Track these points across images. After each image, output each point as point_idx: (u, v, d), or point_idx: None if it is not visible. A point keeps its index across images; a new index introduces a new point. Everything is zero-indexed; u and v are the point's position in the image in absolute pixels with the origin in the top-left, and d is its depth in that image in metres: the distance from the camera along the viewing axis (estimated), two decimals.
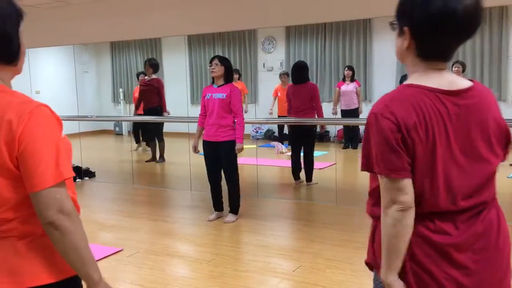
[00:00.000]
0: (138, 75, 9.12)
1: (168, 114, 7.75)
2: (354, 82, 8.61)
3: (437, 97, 1.24)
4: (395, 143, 1.21)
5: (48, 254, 1.27)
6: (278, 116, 8.79)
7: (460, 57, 8.01)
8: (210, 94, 4.44)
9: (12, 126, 1.17)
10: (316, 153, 6.00)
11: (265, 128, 10.41)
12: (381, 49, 9.22)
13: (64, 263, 1.26)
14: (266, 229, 4.34)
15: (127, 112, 11.33)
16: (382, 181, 1.25)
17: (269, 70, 10.24)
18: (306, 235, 4.20)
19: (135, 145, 9.27)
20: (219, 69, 4.39)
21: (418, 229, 1.27)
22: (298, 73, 5.84)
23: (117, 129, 11.90)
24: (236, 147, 4.35)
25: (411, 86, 1.27)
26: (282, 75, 8.80)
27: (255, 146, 9.14)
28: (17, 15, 1.26)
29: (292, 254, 3.72)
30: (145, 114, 7.59)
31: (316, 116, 5.83)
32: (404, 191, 1.22)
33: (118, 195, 5.94)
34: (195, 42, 10.68)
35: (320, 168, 6.39)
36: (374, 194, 1.35)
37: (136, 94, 8.87)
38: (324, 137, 9.39)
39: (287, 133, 9.29)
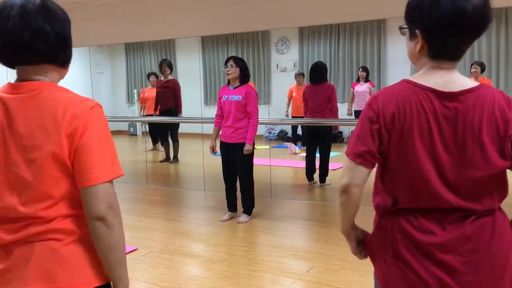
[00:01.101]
0: (148, 76, 9.19)
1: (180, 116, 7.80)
2: (368, 83, 8.58)
3: (426, 96, 1.25)
4: (368, 133, 1.28)
5: (90, 257, 1.28)
6: (292, 117, 8.79)
7: (476, 57, 7.94)
8: (226, 96, 4.45)
9: (75, 119, 1.22)
10: (330, 154, 5.99)
11: (278, 129, 10.41)
12: (395, 49, 9.17)
13: (102, 268, 1.28)
14: (280, 230, 4.34)
15: (141, 112, 11.43)
16: (346, 159, 1.34)
17: (283, 71, 10.25)
18: (320, 236, 4.20)
19: (150, 145, 9.34)
20: (234, 71, 4.39)
21: (403, 226, 1.30)
22: (317, 73, 5.82)
23: (131, 129, 12.01)
24: (244, 148, 4.35)
25: (406, 82, 1.30)
26: (298, 76, 8.80)
27: (268, 146, 9.16)
28: (69, 21, 1.33)
29: (306, 255, 3.72)
30: (161, 115, 7.64)
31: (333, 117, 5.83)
32: (352, 175, 1.31)
33: (132, 195, 5.99)
34: (209, 43, 10.73)
35: (333, 169, 6.37)
36: (375, 185, 1.41)
37: (146, 95, 8.93)
38: (337, 138, 9.36)
39: (300, 134, 9.29)
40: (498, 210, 1.32)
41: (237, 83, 4.44)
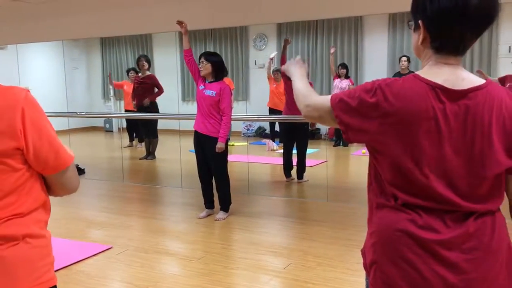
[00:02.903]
0: (128, 71, 9.07)
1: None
2: (348, 80, 8.64)
3: (435, 93, 1.23)
4: (364, 112, 1.26)
5: (32, 261, 1.25)
6: (270, 109, 8.78)
7: None
8: (203, 87, 4.41)
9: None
10: (307, 150, 6.00)
11: (256, 125, 10.40)
12: (372, 47, 9.25)
13: (45, 273, 1.26)
14: (257, 227, 4.33)
15: (117, 108, 11.26)
16: (322, 98, 1.38)
17: (261, 67, 10.22)
18: (297, 233, 4.20)
19: (126, 142, 9.22)
20: (206, 67, 4.35)
21: (404, 225, 1.27)
22: None
23: (107, 125, 11.83)
24: (217, 146, 4.30)
25: (416, 77, 1.27)
26: (275, 72, 8.80)
27: (246, 143, 9.14)
28: None
29: (283, 252, 3.71)
30: (139, 111, 7.55)
31: None
32: (314, 103, 1.40)
33: (108, 192, 5.90)
34: (191, 38, 10.63)
35: (311, 166, 6.39)
36: (370, 181, 1.38)
37: (126, 88, 8.84)
38: (315, 135, 9.40)
39: (278, 130, 9.30)
40: (497, 211, 1.32)
41: (211, 78, 4.39)
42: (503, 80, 4.15)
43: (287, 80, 5.81)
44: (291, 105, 5.83)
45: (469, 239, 1.26)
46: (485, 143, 1.23)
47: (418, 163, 1.24)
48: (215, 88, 4.34)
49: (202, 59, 4.37)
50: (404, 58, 7.89)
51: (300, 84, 1.51)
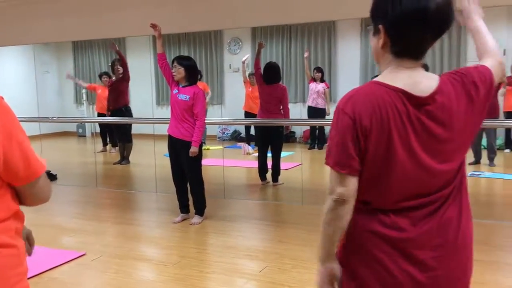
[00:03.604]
0: (100, 76, 8.97)
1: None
2: (323, 84, 8.73)
3: (399, 97, 1.26)
4: (348, 139, 1.26)
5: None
6: (245, 112, 8.80)
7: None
8: (176, 91, 4.39)
9: None
10: (282, 153, 6.03)
11: (231, 129, 10.40)
12: (345, 51, 9.37)
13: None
14: (233, 230, 4.33)
15: (90, 113, 11.10)
16: (330, 171, 1.30)
17: (235, 71, 10.23)
18: (273, 236, 4.21)
19: (100, 147, 9.09)
20: (179, 71, 4.33)
21: (373, 226, 1.31)
22: (271, 73, 5.82)
23: (80, 130, 11.65)
24: (190, 150, 4.28)
25: (376, 83, 1.30)
26: (251, 76, 8.82)
27: (221, 147, 9.12)
28: None
29: (259, 255, 3.72)
30: (112, 115, 7.46)
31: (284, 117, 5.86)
32: (343, 185, 1.27)
33: (81, 198, 5.80)
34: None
35: (286, 169, 6.42)
36: None
37: (100, 92, 8.75)
38: (290, 138, 9.45)
39: (253, 133, 9.31)
40: (464, 206, 1.36)
41: (185, 83, 4.38)
42: None
43: (262, 84, 5.85)
44: (266, 108, 5.86)
45: (435, 236, 1.30)
46: (449, 141, 1.29)
47: (392, 167, 1.28)
48: (189, 92, 4.32)
49: (175, 63, 4.36)
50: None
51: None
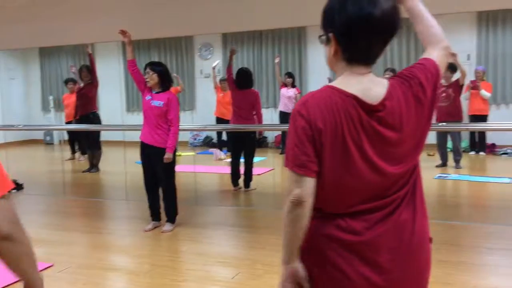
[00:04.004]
0: (66, 82, 8.80)
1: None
2: (295, 89, 8.79)
3: (351, 103, 1.28)
4: (305, 141, 1.27)
5: None
6: (217, 118, 8.77)
7: (388, 64, 8.39)
8: (149, 97, 4.34)
9: None
10: (254, 159, 6.04)
11: (203, 135, 10.36)
12: (316, 56, 9.47)
13: None
14: (205, 237, 4.29)
15: (58, 120, 10.86)
16: (289, 173, 1.31)
17: (207, 77, 10.21)
18: (245, 242, 4.20)
19: (68, 154, 8.91)
20: (152, 77, 4.29)
21: (329, 230, 1.33)
22: (243, 79, 5.82)
23: (47, 138, 11.40)
24: (165, 156, 4.24)
25: (331, 88, 1.32)
26: (222, 82, 8.82)
27: (193, 153, 9.07)
28: None
29: (231, 261, 3.70)
30: (80, 122, 7.32)
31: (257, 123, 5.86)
32: (300, 186, 1.28)
33: (48, 207, 5.66)
34: None
35: (258, 174, 6.43)
36: None
37: (66, 102, 8.61)
38: (262, 143, 9.47)
39: (225, 139, 9.30)
40: (418, 208, 1.37)
41: (158, 89, 4.34)
42: None
43: (235, 89, 5.85)
44: (239, 114, 5.85)
45: (390, 239, 1.32)
46: (401, 143, 1.32)
47: (347, 171, 1.30)
48: (163, 98, 4.28)
49: (148, 70, 4.31)
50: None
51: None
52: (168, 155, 4.25)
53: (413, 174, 1.37)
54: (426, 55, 1.43)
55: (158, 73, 4.30)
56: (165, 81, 4.37)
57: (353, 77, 1.32)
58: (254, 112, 5.84)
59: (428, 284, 1.43)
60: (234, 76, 5.82)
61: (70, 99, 8.34)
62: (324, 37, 1.36)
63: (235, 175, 5.98)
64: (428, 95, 1.35)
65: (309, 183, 1.28)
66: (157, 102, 4.28)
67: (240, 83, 5.79)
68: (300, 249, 1.38)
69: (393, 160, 1.32)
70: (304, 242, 1.37)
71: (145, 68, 4.35)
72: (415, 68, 1.37)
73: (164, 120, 4.29)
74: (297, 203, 1.29)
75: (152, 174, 4.40)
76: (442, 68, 1.42)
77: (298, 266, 1.36)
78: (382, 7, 1.26)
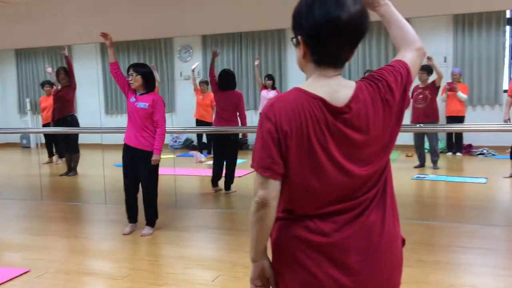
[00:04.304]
0: (42, 85, 8.66)
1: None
2: (275, 91, 8.81)
3: (318, 105, 1.30)
4: (270, 144, 1.29)
5: None
6: (197, 120, 8.74)
7: (367, 66, 8.49)
8: (134, 99, 4.31)
9: None
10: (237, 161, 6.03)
11: (183, 137, 10.30)
12: (294, 59, 9.50)
13: None
14: (185, 240, 4.28)
15: (35, 123, 10.68)
16: (255, 175, 1.33)
17: (186, 79, 10.17)
18: (226, 244, 4.20)
19: (45, 158, 8.77)
20: (136, 79, 4.26)
21: (298, 232, 1.34)
22: (226, 80, 5.81)
23: (24, 141, 11.19)
24: (152, 158, 4.24)
25: (299, 90, 1.34)
26: (201, 84, 8.80)
27: (173, 156, 9.02)
28: None
29: (211, 264, 3.70)
30: (57, 125, 7.22)
31: (240, 124, 5.87)
32: (265, 187, 1.30)
33: (25, 212, 5.56)
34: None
35: (239, 176, 6.43)
36: None
37: (43, 104, 8.49)
38: (243, 145, 9.47)
39: (206, 142, 9.27)
40: (388, 209, 1.38)
41: (143, 90, 4.31)
42: None
43: (218, 91, 5.83)
44: (222, 116, 5.83)
45: (359, 240, 1.34)
46: (368, 145, 1.33)
47: (314, 173, 1.31)
48: (148, 100, 4.25)
49: (131, 71, 4.27)
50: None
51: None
52: (156, 157, 4.24)
53: (383, 175, 1.38)
54: (398, 56, 1.45)
55: (142, 75, 4.27)
56: (149, 83, 4.34)
57: (322, 80, 1.34)
58: (238, 114, 5.83)
59: (400, 285, 1.44)
60: (217, 78, 5.82)
61: (47, 102, 8.22)
62: (294, 40, 1.37)
63: (216, 176, 5.96)
64: (397, 97, 1.36)
65: (274, 185, 1.30)
66: (142, 104, 4.25)
67: (223, 84, 5.78)
68: (271, 250, 1.40)
69: (360, 162, 1.33)
70: (275, 244, 1.39)
71: (128, 70, 4.32)
72: (385, 70, 1.39)
73: (150, 122, 4.26)
74: (262, 205, 1.31)
75: (134, 176, 4.36)
76: (415, 69, 1.43)
77: (266, 263, 1.41)
78: (349, 11, 1.27)
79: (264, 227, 1.35)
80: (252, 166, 1.33)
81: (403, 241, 1.45)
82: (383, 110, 1.34)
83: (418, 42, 1.46)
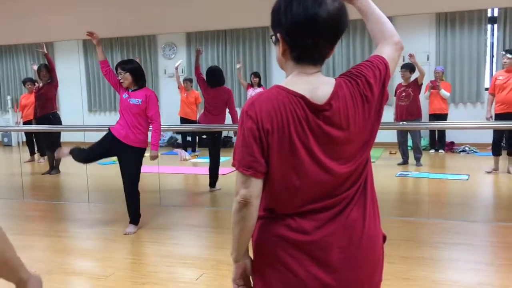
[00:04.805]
0: (24, 82, 8.53)
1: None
2: (261, 88, 8.80)
3: (298, 102, 1.29)
4: (252, 142, 1.28)
5: None
6: (181, 118, 8.70)
7: (352, 63, 8.53)
8: (126, 95, 4.26)
9: None
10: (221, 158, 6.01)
11: (168, 135, 10.24)
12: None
13: None
14: (169, 238, 4.25)
15: (16, 121, 10.52)
16: (236, 173, 1.32)
17: (170, 76, 10.11)
18: (210, 242, 4.18)
19: (27, 156, 8.64)
20: (125, 77, 4.21)
21: (279, 230, 1.34)
22: (214, 76, 5.78)
23: (5, 139, 11.02)
24: (150, 154, 4.22)
25: (279, 87, 1.33)
26: (185, 81, 8.76)
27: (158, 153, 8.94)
28: None
29: (195, 262, 3.68)
30: (39, 122, 7.12)
31: (232, 121, 5.85)
32: (247, 186, 1.29)
33: (7, 211, 5.47)
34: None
35: (223, 174, 6.41)
36: None
37: (23, 102, 8.37)
38: (227, 143, 9.45)
39: (190, 139, 9.23)
40: (368, 207, 1.39)
41: (134, 87, 4.27)
42: None
43: (207, 88, 5.79)
44: (210, 112, 5.80)
45: (340, 238, 1.34)
46: (347, 143, 1.33)
47: (295, 170, 1.31)
48: (140, 95, 4.21)
49: (119, 70, 4.23)
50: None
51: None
52: (153, 153, 4.25)
53: (364, 172, 1.38)
54: (376, 52, 1.45)
55: (130, 71, 4.22)
56: (139, 78, 4.29)
57: (301, 77, 1.33)
58: (228, 110, 5.82)
59: (381, 281, 1.45)
60: (203, 75, 5.79)
61: (28, 100, 8.10)
62: (273, 37, 1.37)
63: (213, 176, 5.91)
64: (376, 93, 1.36)
65: (256, 184, 1.29)
66: (135, 100, 4.21)
67: (211, 81, 5.75)
68: (252, 249, 1.39)
69: (341, 159, 1.33)
70: (256, 243, 1.38)
71: (116, 69, 4.27)
72: (363, 66, 1.38)
73: (143, 119, 4.22)
74: (244, 204, 1.30)
75: (101, 152, 4.37)
76: (393, 64, 1.44)
77: (248, 263, 1.40)
78: (327, 8, 1.27)
79: (247, 227, 1.33)
80: (233, 165, 1.32)
81: (384, 238, 1.45)
82: (362, 106, 1.34)
83: (396, 36, 1.47)
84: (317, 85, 1.32)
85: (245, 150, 1.29)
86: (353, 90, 1.33)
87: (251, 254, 1.43)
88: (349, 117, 1.32)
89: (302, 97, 1.29)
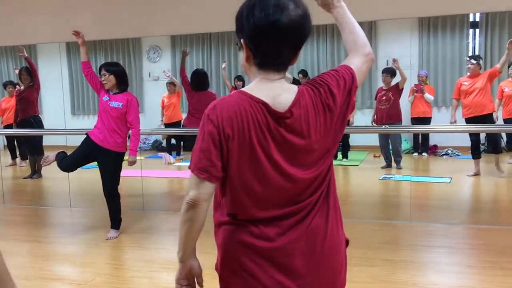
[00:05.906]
0: (5, 85, 8.40)
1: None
2: None
3: (260, 109, 1.29)
4: (211, 146, 1.28)
5: None
6: (165, 125, 8.65)
7: (302, 66, 8.57)
8: (107, 98, 4.21)
9: None
10: None
11: (152, 139, 10.18)
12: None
13: None
14: (151, 243, 4.21)
15: None
16: (190, 175, 1.32)
17: (155, 79, 10.07)
18: None
19: (8, 160, 8.52)
20: (109, 79, 4.17)
21: (243, 237, 1.34)
22: (201, 80, 5.76)
23: None
24: (129, 160, 4.19)
25: (242, 93, 1.33)
26: (169, 84, 8.72)
27: (141, 157, 8.89)
28: None
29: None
30: (21, 126, 7.02)
31: None
32: (198, 189, 1.29)
33: None
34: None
35: None
36: (215, 200, 1.41)
37: (3, 105, 8.25)
38: None
39: (175, 143, 9.18)
40: (331, 213, 1.38)
41: (116, 90, 4.22)
42: None
43: (191, 91, 5.77)
44: (194, 115, 5.77)
45: (303, 244, 1.34)
46: (309, 151, 1.33)
47: (257, 177, 1.30)
48: (121, 99, 4.17)
49: (103, 71, 4.18)
50: (300, 75, 8.28)
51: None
52: (132, 158, 4.21)
53: (326, 178, 1.38)
54: (345, 61, 1.46)
55: (114, 74, 4.18)
56: (123, 82, 4.26)
57: (264, 83, 1.33)
58: None
59: (345, 285, 1.46)
60: (188, 78, 5.77)
61: (9, 103, 7.99)
62: (238, 43, 1.37)
63: None
64: (339, 103, 1.36)
65: (208, 188, 1.29)
66: (116, 103, 4.16)
67: (196, 84, 5.74)
68: (218, 254, 1.39)
69: (303, 166, 1.33)
70: (220, 248, 1.38)
71: (100, 70, 4.22)
72: (327, 75, 1.39)
73: (122, 123, 4.17)
74: (192, 205, 1.30)
75: (81, 160, 4.30)
76: (361, 75, 1.44)
77: (194, 264, 1.41)
78: (289, 14, 1.27)
79: (193, 228, 1.34)
80: (189, 167, 1.31)
81: (347, 242, 1.46)
82: (324, 115, 1.34)
83: (367, 47, 1.48)
84: (280, 92, 1.32)
85: (202, 154, 1.28)
86: (315, 98, 1.34)
87: (211, 258, 1.42)
88: (310, 125, 1.32)
89: (264, 104, 1.29)
